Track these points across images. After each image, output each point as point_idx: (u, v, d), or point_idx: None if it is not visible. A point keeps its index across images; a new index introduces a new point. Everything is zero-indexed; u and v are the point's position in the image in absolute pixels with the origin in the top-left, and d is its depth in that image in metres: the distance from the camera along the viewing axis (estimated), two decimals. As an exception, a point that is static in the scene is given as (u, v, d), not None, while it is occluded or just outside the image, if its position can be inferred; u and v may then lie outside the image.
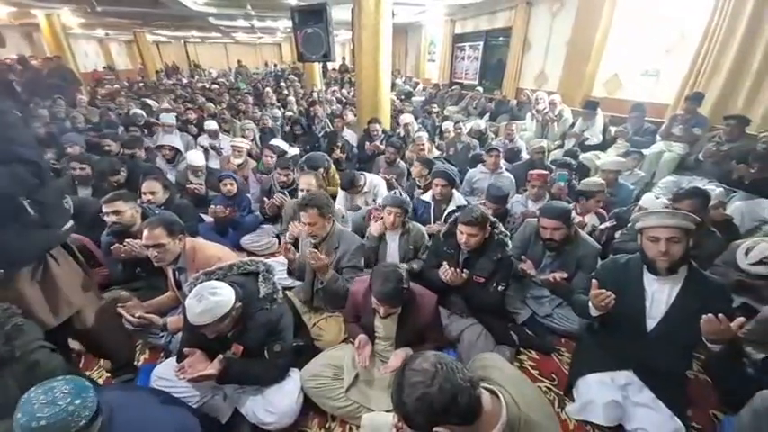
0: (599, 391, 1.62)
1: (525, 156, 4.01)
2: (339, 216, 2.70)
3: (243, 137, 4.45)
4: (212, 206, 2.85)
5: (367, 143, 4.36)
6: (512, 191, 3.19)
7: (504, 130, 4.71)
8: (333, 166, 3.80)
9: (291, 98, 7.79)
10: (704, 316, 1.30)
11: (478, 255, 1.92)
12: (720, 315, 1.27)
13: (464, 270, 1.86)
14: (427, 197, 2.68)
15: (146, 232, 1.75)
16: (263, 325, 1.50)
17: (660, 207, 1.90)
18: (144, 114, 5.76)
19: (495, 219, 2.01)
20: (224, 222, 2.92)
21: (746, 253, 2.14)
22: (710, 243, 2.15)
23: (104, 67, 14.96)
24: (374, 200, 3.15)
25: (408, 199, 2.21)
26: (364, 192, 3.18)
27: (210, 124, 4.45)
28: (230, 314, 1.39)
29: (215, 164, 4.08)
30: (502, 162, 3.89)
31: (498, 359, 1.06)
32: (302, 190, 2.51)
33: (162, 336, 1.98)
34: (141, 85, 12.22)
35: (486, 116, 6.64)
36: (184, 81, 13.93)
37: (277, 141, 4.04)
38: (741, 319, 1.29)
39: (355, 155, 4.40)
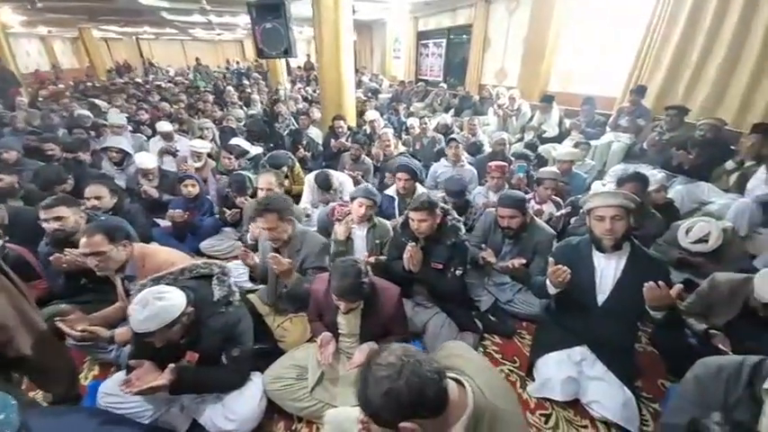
0: (557, 368, 1.69)
1: (488, 149, 4.12)
2: (302, 215, 2.64)
3: (201, 137, 4.25)
4: (170, 210, 2.70)
5: (332, 140, 4.30)
6: (474, 183, 3.27)
7: (467, 125, 4.82)
8: (298, 165, 3.72)
9: (255, 96, 7.55)
10: (646, 284, 1.40)
11: (434, 242, 1.95)
12: (660, 282, 1.38)
13: (417, 244, 1.89)
14: (391, 192, 2.69)
15: (84, 239, 1.62)
16: (219, 330, 1.43)
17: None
18: (91, 116, 5.35)
19: (447, 206, 2.05)
20: (182, 227, 2.77)
21: (687, 232, 2.32)
22: (652, 224, 2.31)
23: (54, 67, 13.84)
24: (340, 197, 3.11)
25: (378, 193, 2.21)
26: (335, 188, 3.14)
27: (163, 125, 4.20)
28: (180, 320, 1.32)
29: (172, 166, 3.87)
30: (465, 155, 3.99)
31: (463, 347, 1.07)
32: (262, 189, 2.43)
33: (111, 350, 1.85)
34: (89, 84, 11.38)
35: (451, 112, 6.76)
36: (138, 80, 13.13)
37: (237, 141, 3.89)
38: (679, 285, 1.39)
39: (321, 153, 4.34)
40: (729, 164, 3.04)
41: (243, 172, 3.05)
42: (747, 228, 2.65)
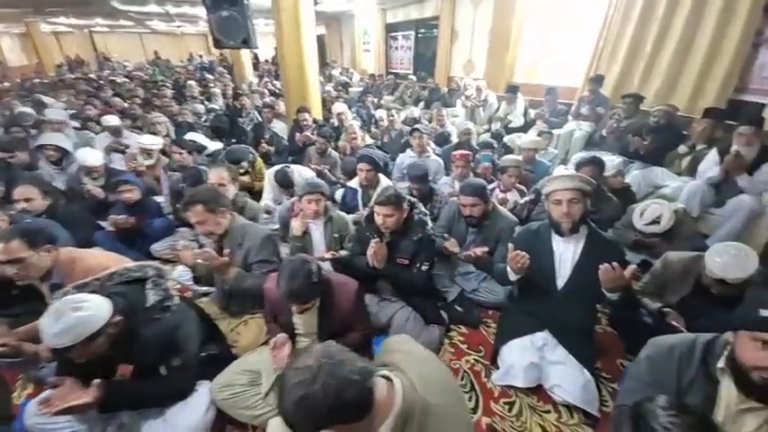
0: (520, 355, 1.68)
1: (455, 139, 4.10)
2: (260, 211, 2.51)
3: (153, 133, 3.98)
4: (111, 216, 2.48)
5: (297, 134, 4.15)
6: (440, 173, 3.23)
7: (435, 117, 4.80)
8: (259, 160, 3.56)
9: (216, 90, 7.21)
10: (601, 266, 1.39)
11: (400, 237, 1.88)
12: (615, 263, 1.38)
13: (382, 240, 1.82)
14: (354, 183, 2.60)
15: (0, 246, 1.44)
16: (155, 338, 1.30)
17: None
18: (33, 113, 4.90)
19: (414, 199, 1.99)
20: (129, 231, 2.56)
21: (641, 215, 2.37)
22: (609, 207, 2.35)
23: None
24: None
25: (323, 183, 2.10)
26: (295, 184, 3.01)
27: (109, 120, 3.89)
28: (105, 331, 1.18)
29: (122, 164, 3.59)
30: (432, 146, 3.96)
31: (405, 341, 1.01)
32: (212, 184, 2.27)
33: (43, 366, 1.67)
34: (36, 81, 10.52)
35: (421, 104, 6.73)
36: (92, 75, 12.26)
37: (193, 136, 3.66)
38: (633, 266, 1.40)
39: (285, 147, 4.18)
40: (682, 148, 3.17)
41: (199, 166, 2.86)
42: (699, 209, 2.76)
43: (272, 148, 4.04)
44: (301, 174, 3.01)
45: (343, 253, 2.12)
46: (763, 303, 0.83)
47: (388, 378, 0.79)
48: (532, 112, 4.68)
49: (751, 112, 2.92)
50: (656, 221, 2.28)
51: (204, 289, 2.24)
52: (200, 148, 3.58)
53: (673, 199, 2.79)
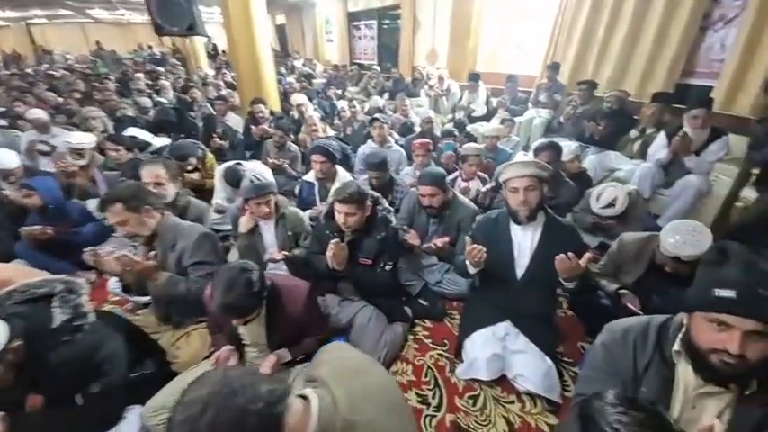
0: (482, 347, 1.64)
1: (419, 129, 4.03)
2: (208, 210, 2.31)
3: (87, 129, 3.59)
4: (24, 228, 2.18)
5: (253, 127, 3.90)
6: (403, 164, 3.15)
7: (399, 107, 4.70)
8: (210, 156, 3.30)
9: (165, 83, 6.71)
10: (557, 256, 1.36)
11: (363, 235, 1.77)
12: (570, 253, 1.34)
13: (343, 240, 1.71)
14: (310, 177, 2.45)
15: None
16: (66, 363, 1.12)
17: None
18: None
19: (377, 194, 1.88)
20: (53, 241, 2.26)
21: (597, 198, 2.41)
22: (567, 192, 2.36)
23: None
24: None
25: (270, 182, 1.93)
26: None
27: (32, 113, 3.45)
28: (3, 358, 1.00)
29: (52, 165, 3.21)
30: (396, 136, 3.86)
31: (341, 349, 0.91)
32: (148, 184, 2.04)
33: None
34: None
35: (386, 95, 6.61)
36: (28, 70, 11.08)
37: (134, 131, 3.34)
38: (588, 254, 1.37)
39: (241, 141, 3.92)
40: (633, 132, 3.27)
41: (140, 160, 2.59)
42: (650, 190, 2.86)
43: (225, 143, 3.77)
44: (255, 171, 2.80)
45: (297, 252, 1.98)
46: (716, 282, 0.79)
47: (305, 397, 0.69)
48: (494, 101, 4.69)
49: (698, 94, 3.05)
50: (611, 204, 2.33)
51: (144, 299, 2.03)
52: (142, 145, 3.27)
53: (626, 182, 2.87)
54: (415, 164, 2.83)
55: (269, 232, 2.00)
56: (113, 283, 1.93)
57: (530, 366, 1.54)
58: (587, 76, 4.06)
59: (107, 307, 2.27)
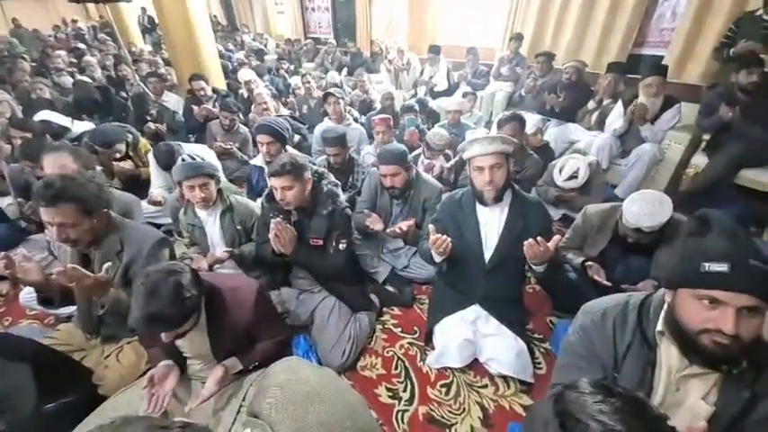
0: (453, 333, 1.56)
1: (379, 106, 3.82)
2: (136, 204, 1.99)
3: (-13, 114, 3.03)
4: None
5: (195, 107, 3.49)
6: (363, 143, 2.96)
7: (358, 83, 4.44)
8: (143, 141, 2.90)
9: (90, 59, 5.88)
10: (525, 242, 1.28)
11: (309, 214, 1.60)
12: (539, 238, 1.27)
13: (290, 220, 1.55)
14: (258, 161, 2.20)
15: None
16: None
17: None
18: None
19: (322, 169, 1.69)
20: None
21: (560, 171, 2.39)
22: (532, 165, 2.31)
23: None
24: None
25: (207, 163, 1.68)
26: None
27: None
28: None
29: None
30: (356, 114, 3.64)
31: (287, 371, 0.75)
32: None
33: None
34: None
35: (344, 71, 6.26)
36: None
37: (47, 115, 2.85)
38: (557, 237, 1.30)
39: (182, 124, 3.50)
40: (591, 104, 3.28)
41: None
42: (608, 160, 2.90)
43: (162, 126, 3.34)
44: (195, 153, 2.48)
45: (245, 248, 1.77)
46: (703, 255, 0.72)
47: None
48: (456, 75, 4.55)
49: (651, 63, 3.08)
50: (574, 176, 2.31)
51: (68, 311, 1.74)
52: (57, 131, 2.80)
53: (585, 153, 2.88)
54: (375, 141, 2.65)
55: (214, 227, 1.76)
56: (26, 296, 1.63)
57: (501, 349, 1.49)
58: (545, 47, 4.01)
59: (25, 323, 1.95)
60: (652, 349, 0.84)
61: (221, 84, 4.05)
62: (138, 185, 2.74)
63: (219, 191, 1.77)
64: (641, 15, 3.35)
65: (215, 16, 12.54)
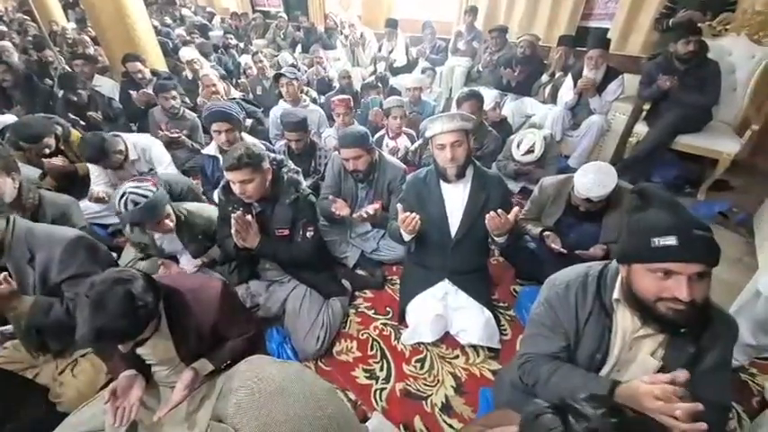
0: (424, 310, 1.62)
1: (338, 85, 3.69)
2: (73, 204, 1.81)
3: None
4: None
5: (132, 93, 3.17)
6: (323, 125, 2.86)
7: (314, 60, 4.24)
8: (75, 133, 2.61)
9: (4, 43, 5.11)
10: (487, 215, 1.33)
11: (271, 203, 1.54)
12: (499, 210, 1.32)
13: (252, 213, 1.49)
14: (212, 150, 2.06)
15: None
16: None
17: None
18: None
19: (281, 156, 1.62)
20: None
21: (518, 146, 2.47)
22: (491, 141, 2.37)
23: None
24: (150, 170, 2.31)
25: (161, 194, 1.52)
26: (132, 160, 2.27)
27: None
28: None
29: None
30: (314, 94, 3.49)
31: (254, 368, 0.73)
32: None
33: None
34: None
35: (299, 47, 5.93)
36: None
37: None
38: (516, 209, 1.36)
39: (120, 111, 3.18)
40: (544, 77, 3.37)
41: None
42: (561, 132, 3.03)
43: (97, 114, 3.01)
44: (137, 144, 2.28)
45: (213, 253, 1.69)
46: (651, 230, 0.77)
47: None
48: (414, 50, 4.47)
49: (597, 35, 3.20)
50: (530, 150, 2.40)
51: (8, 329, 1.58)
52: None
53: (540, 127, 2.99)
54: (336, 124, 2.57)
55: (173, 243, 1.65)
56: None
57: (470, 320, 1.56)
58: (500, 21, 4.03)
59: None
60: (609, 315, 0.91)
61: (161, 64, 3.69)
62: (76, 183, 2.49)
63: (173, 212, 1.63)
64: (587, -11, 3.44)
65: (147, -13, 11.31)
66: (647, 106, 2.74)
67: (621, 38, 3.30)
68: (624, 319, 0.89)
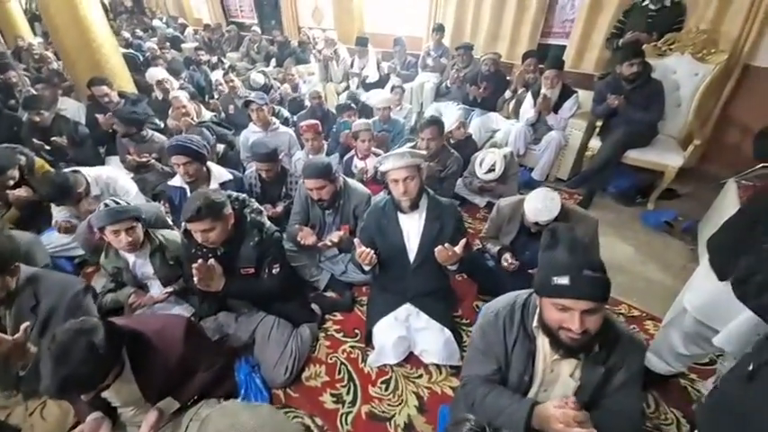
0: (388, 332, 1.69)
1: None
2: (36, 244, 1.82)
3: None
4: None
5: (99, 116, 3.13)
6: (294, 147, 2.91)
7: (287, 77, 4.28)
8: (39, 161, 2.57)
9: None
10: (435, 249, 1.44)
11: (236, 244, 1.59)
12: (447, 244, 1.44)
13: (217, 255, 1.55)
14: (177, 181, 2.08)
15: None
16: None
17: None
18: None
19: (243, 195, 1.67)
20: None
21: (480, 165, 2.59)
22: (454, 163, 2.49)
23: None
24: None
25: (130, 207, 1.56)
26: (96, 195, 2.24)
27: None
28: None
29: None
30: (286, 113, 3.53)
31: (224, 419, 0.78)
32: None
33: None
34: None
35: (273, 61, 5.96)
36: None
37: None
38: (463, 241, 1.48)
39: (86, 134, 3.13)
40: (507, 93, 3.53)
41: None
42: (524, 147, 3.19)
43: (62, 140, 2.96)
44: (101, 176, 2.25)
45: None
46: (552, 269, 0.88)
47: None
48: (385, 66, 4.58)
49: (553, 56, 3.38)
50: (491, 169, 2.53)
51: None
52: None
53: (502, 143, 3.15)
54: (306, 148, 2.62)
55: (145, 267, 1.68)
56: None
57: (431, 341, 1.65)
58: (466, 38, 4.19)
59: None
60: (532, 341, 1.02)
61: (129, 85, 3.65)
62: (40, 213, 2.46)
63: (146, 231, 1.68)
64: (545, 8, 3.63)
65: (117, -4, 11.04)
66: (600, 123, 2.92)
67: (577, 55, 3.50)
68: (544, 345, 1.00)
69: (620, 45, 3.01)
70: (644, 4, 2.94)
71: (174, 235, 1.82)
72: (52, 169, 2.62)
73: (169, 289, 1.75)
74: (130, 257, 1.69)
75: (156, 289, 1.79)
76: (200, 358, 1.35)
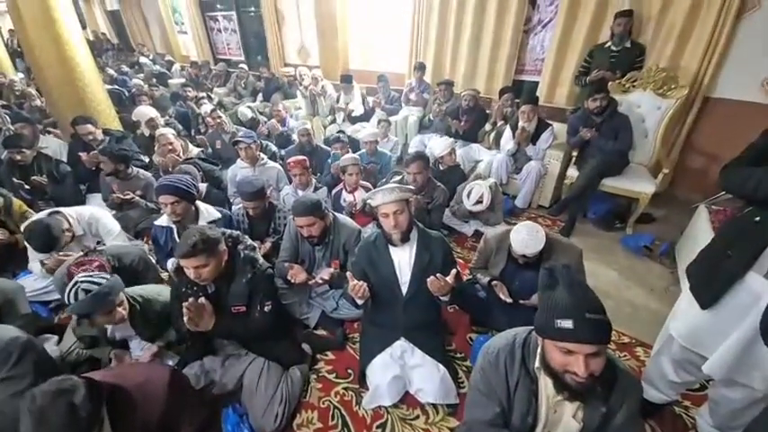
0: (383, 372, 1.65)
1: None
2: (21, 290, 1.73)
3: None
4: None
5: (82, 154, 3.09)
6: (282, 181, 2.93)
7: (274, 112, 4.37)
8: (17, 202, 2.49)
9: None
10: (428, 279, 1.45)
11: (227, 281, 1.56)
12: (438, 274, 1.45)
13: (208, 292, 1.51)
14: (164, 221, 2.05)
15: None
16: None
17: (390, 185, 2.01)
18: None
19: (236, 232, 1.66)
20: None
21: (468, 196, 2.67)
22: (440, 195, 2.55)
23: None
24: (99, 243, 2.23)
25: (116, 280, 1.49)
26: (78, 236, 2.17)
27: None
28: None
29: None
30: (274, 148, 3.58)
31: None
32: None
33: None
34: None
35: (260, 96, 6.09)
36: None
37: None
38: (454, 271, 1.50)
39: (67, 173, 3.07)
40: (487, 126, 3.71)
41: None
42: (507, 176, 3.31)
43: (42, 179, 2.89)
44: (83, 215, 2.20)
45: (170, 336, 1.65)
46: (555, 312, 0.87)
47: None
48: (370, 100, 4.75)
49: (529, 91, 3.60)
50: (479, 201, 2.60)
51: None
52: None
53: (486, 173, 3.26)
54: (294, 183, 2.65)
55: (125, 331, 1.60)
56: None
57: (426, 379, 1.62)
58: (446, 74, 4.42)
59: None
60: (534, 382, 1.01)
61: (114, 122, 3.65)
62: (15, 255, 2.36)
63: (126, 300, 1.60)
64: (517, 47, 3.90)
65: (103, 34, 11.22)
66: (575, 153, 3.08)
67: (549, 91, 3.74)
68: (547, 385, 0.99)
69: (587, 82, 3.25)
70: (606, 45, 3.21)
71: (159, 292, 1.73)
72: (30, 210, 2.54)
73: (154, 348, 1.65)
74: (108, 326, 1.59)
75: (138, 347, 1.71)
76: (184, 412, 1.28)
